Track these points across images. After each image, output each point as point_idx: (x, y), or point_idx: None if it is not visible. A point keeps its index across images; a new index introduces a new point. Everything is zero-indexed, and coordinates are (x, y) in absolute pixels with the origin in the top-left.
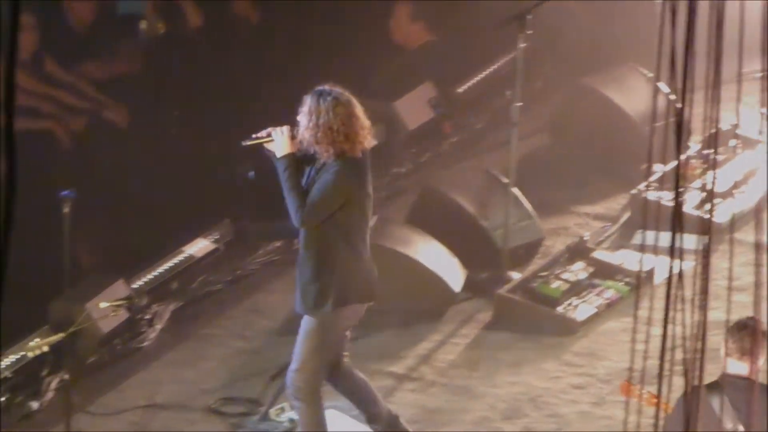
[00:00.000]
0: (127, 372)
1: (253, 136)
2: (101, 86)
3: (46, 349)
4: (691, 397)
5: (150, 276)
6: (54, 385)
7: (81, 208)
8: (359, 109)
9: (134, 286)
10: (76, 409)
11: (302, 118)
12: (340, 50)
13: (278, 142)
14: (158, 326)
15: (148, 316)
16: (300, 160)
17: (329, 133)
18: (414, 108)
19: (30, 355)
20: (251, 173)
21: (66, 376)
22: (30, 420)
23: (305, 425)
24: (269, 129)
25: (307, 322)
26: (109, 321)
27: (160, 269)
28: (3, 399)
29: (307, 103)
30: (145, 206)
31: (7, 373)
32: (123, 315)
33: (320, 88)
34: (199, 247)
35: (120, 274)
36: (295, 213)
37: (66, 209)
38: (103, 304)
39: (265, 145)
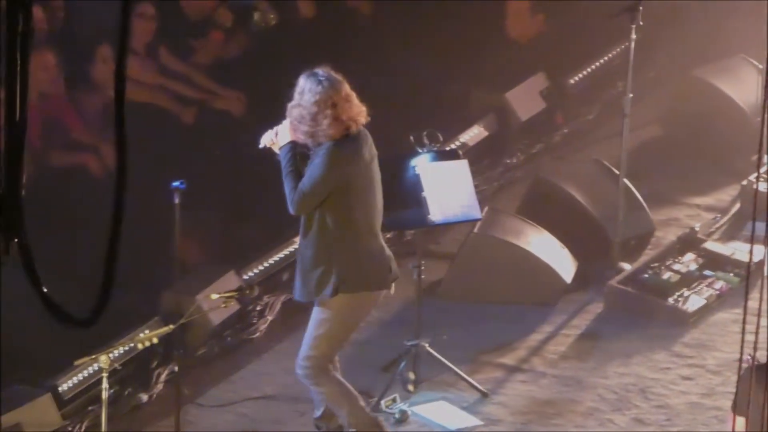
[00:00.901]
0: (238, 363)
1: (263, 142)
2: (214, 75)
3: (155, 341)
4: None
5: (261, 267)
6: (164, 377)
7: (192, 199)
8: (348, 92)
9: (245, 277)
10: (185, 401)
11: (295, 98)
12: (453, 41)
13: (281, 132)
14: (269, 317)
15: (258, 308)
16: (303, 153)
17: (315, 114)
18: (526, 99)
19: (140, 347)
20: None
21: (176, 368)
22: (139, 412)
23: (332, 403)
24: (276, 128)
25: (317, 312)
26: (220, 312)
27: (271, 260)
28: (112, 391)
29: (299, 83)
30: (257, 197)
31: (116, 365)
32: (234, 306)
33: (313, 70)
34: None
35: (231, 265)
36: (289, 198)
37: (177, 200)
38: (213, 296)
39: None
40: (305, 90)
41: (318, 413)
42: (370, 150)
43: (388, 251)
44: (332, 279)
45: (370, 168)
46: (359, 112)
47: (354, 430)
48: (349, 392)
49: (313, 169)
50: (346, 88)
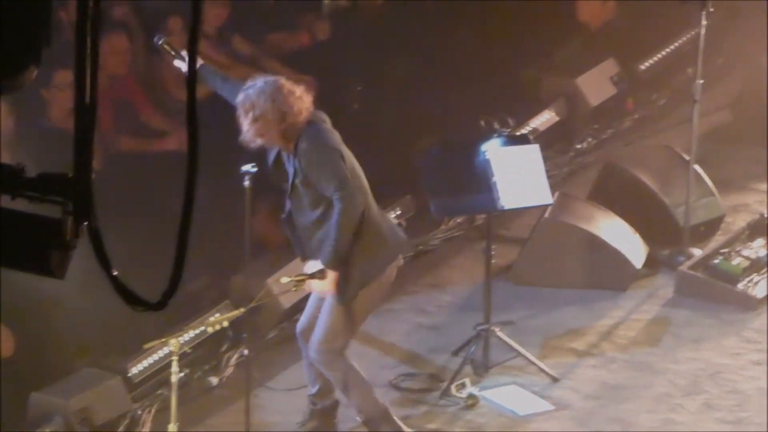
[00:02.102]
0: None
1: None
2: (285, 60)
3: (226, 324)
4: None
5: None
6: (234, 360)
7: (264, 183)
8: (289, 87)
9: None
10: (255, 384)
11: (240, 120)
12: (525, 26)
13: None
14: None
15: None
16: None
17: (269, 120)
18: (596, 84)
19: (210, 330)
20: (434, 148)
21: (246, 352)
22: (209, 395)
23: (344, 390)
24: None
25: (332, 297)
26: (290, 296)
27: None
28: (182, 374)
29: (239, 104)
30: None
31: (186, 348)
32: (305, 290)
33: (247, 83)
34: None
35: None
36: (346, 211)
37: (247, 183)
38: (284, 279)
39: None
40: (254, 101)
41: (313, 390)
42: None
43: (389, 220)
44: (353, 278)
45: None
46: (305, 102)
47: (365, 417)
48: (363, 380)
49: (322, 167)
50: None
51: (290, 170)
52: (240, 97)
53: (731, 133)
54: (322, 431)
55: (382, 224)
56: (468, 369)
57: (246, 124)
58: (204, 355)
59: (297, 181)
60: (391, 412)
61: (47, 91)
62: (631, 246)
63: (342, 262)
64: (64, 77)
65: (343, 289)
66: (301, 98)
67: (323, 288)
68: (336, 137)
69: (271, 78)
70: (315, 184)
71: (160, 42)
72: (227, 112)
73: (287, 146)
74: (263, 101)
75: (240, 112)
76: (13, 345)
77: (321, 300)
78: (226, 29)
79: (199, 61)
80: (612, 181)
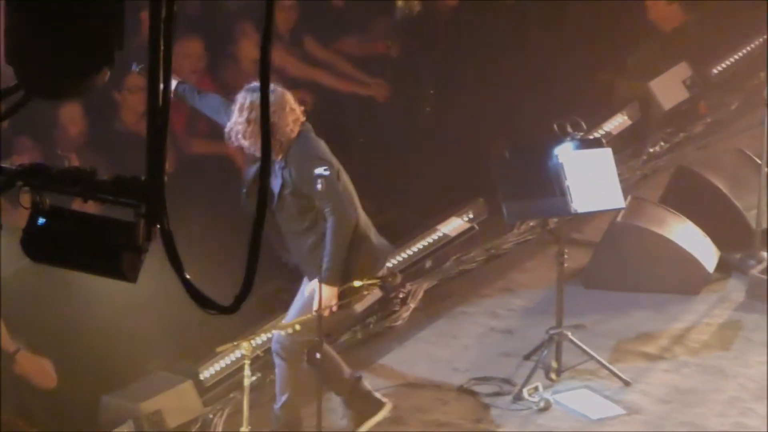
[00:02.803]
0: (380, 351)
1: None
2: (357, 63)
3: (298, 328)
4: None
5: (404, 255)
6: (305, 365)
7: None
8: (291, 105)
9: (388, 264)
10: (327, 388)
11: (233, 115)
12: (597, 30)
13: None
14: (412, 305)
15: (401, 295)
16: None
17: (283, 116)
18: (669, 88)
19: (283, 333)
20: (507, 152)
21: (318, 355)
22: None
23: (282, 383)
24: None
25: (307, 288)
26: (363, 299)
27: (414, 248)
28: (254, 378)
29: (240, 102)
30: (400, 184)
31: (259, 352)
32: (376, 294)
33: (252, 84)
34: (454, 226)
35: None
36: (342, 220)
37: (319, 187)
38: (357, 283)
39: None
40: (254, 104)
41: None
42: None
43: (372, 227)
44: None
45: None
46: (298, 120)
47: (278, 414)
48: (300, 386)
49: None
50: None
51: (277, 182)
52: (241, 95)
53: None
54: (365, 413)
55: (369, 232)
56: (540, 373)
57: (238, 121)
58: None
59: (286, 192)
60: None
61: (119, 94)
62: (703, 250)
63: (341, 275)
64: (136, 80)
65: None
66: (295, 111)
67: (328, 299)
68: (324, 147)
69: (278, 88)
70: (307, 194)
71: (137, 69)
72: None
73: (274, 156)
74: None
75: (236, 107)
76: (55, 377)
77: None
78: (298, 31)
79: (175, 81)
80: (684, 185)
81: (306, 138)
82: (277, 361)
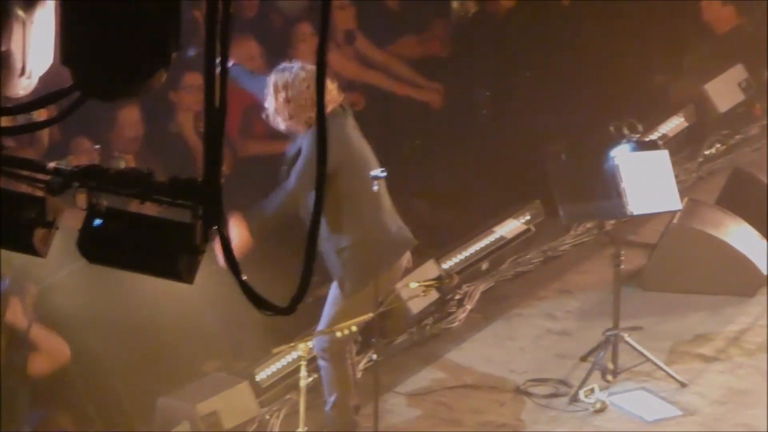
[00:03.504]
0: (436, 352)
1: None
2: (414, 65)
3: (354, 329)
4: None
5: (460, 256)
6: (362, 365)
7: (391, 187)
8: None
9: (444, 266)
10: (384, 389)
11: (269, 98)
12: (652, 33)
13: None
14: (468, 306)
15: (458, 297)
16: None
17: (294, 106)
18: (724, 90)
19: (339, 335)
20: (563, 154)
21: (375, 356)
22: None
23: (329, 384)
24: None
25: (335, 288)
26: (419, 301)
27: (471, 249)
28: (311, 379)
29: (273, 82)
30: (456, 186)
31: (315, 353)
32: (433, 295)
33: (282, 65)
34: (510, 227)
35: (431, 254)
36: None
37: (376, 188)
38: (413, 284)
39: None
40: (289, 83)
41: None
42: (355, 126)
43: (398, 219)
44: (355, 272)
45: (359, 143)
46: (333, 94)
47: (331, 415)
48: (349, 384)
49: (305, 157)
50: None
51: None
52: (274, 76)
53: None
54: None
55: (389, 222)
56: (596, 374)
57: (274, 104)
58: None
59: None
60: (358, 428)
61: (176, 94)
62: (759, 252)
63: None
64: (192, 80)
65: (343, 281)
66: (330, 92)
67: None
68: (340, 134)
69: (308, 65)
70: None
71: (194, 54)
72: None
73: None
74: (298, 84)
75: (270, 90)
76: (68, 352)
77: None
78: (353, 33)
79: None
80: (740, 187)
81: (331, 121)
82: (321, 363)
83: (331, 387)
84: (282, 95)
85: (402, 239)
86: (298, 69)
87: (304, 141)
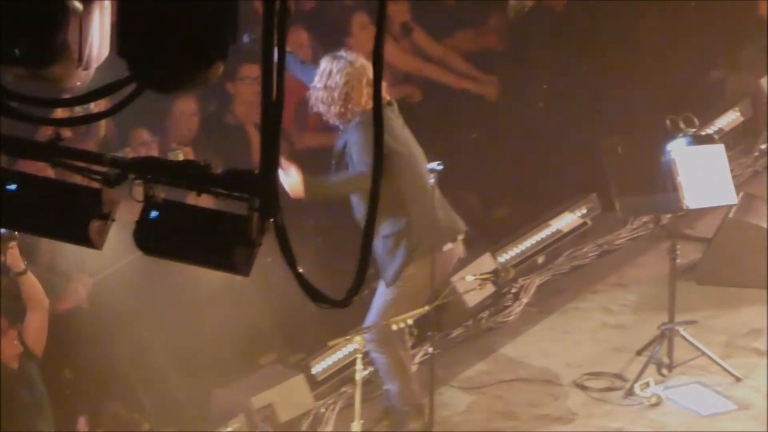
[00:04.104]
0: (492, 346)
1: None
2: (470, 58)
3: (410, 322)
4: None
5: (516, 250)
6: (418, 358)
7: (449, 181)
8: (369, 75)
9: (500, 259)
10: (439, 382)
11: (316, 80)
12: (709, 27)
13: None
14: (524, 300)
15: (513, 290)
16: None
17: (347, 93)
18: None
19: (394, 328)
20: (619, 147)
21: (431, 349)
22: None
23: (386, 374)
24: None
25: (379, 288)
26: (475, 294)
27: (527, 243)
28: (366, 372)
29: (323, 66)
30: (512, 180)
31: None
32: (489, 289)
33: (335, 53)
34: (566, 221)
35: (487, 247)
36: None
37: (432, 181)
38: (469, 278)
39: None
40: (333, 72)
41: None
42: (399, 117)
43: (448, 207)
44: (397, 256)
45: (403, 134)
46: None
47: (401, 405)
48: (407, 369)
49: (358, 145)
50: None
51: (338, 145)
52: (325, 60)
53: None
54: (395, 429)
55: (437, 209)
56: (652, 368)
57: (318, 87)
58: None
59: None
60: (425, 410)
61: (233, 86)
62: None
63: (319, 196)
64: (250, 71)
65: (387, 267)
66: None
67: (293, 187)
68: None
69: (360, 59)
70: (348, 161)
71: (249, 39)
72: (414, 109)
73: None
74: (339, 76)
75: (318, 72)
76: (43, 295)
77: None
78: (410, 26)
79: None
80: None
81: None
82: (374, 356)
83: (388, 376)
84: (324, 81)
85: (450, 227)
86: (349, 60)
87: (351, 136)
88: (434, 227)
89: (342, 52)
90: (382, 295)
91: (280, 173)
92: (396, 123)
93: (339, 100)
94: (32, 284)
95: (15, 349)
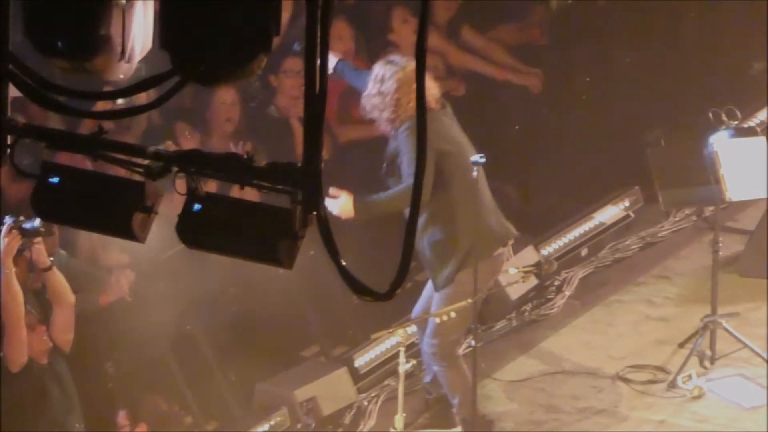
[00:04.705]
0: (535, 338)
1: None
2: (514, 51)
3: (453, 315)
4: None
5: (559, 242)
6: (461, 351)
7: (492, 173)
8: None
9: (544, 252)
10: (482, 375)
11: (370, 86)
12: (752, 20)
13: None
14: (567, 293)
15: (557, 283)
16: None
17: (398, 99)
18: None
19: (438, 321)
20: (662, 140)
21: (473, 342)
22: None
23: (448, 387)
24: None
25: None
26: (518, 287)
27: (570, 236)
28: (409, 365)
29: (375, 71)
30: (555, 172)
31: (414, 339)
32: (532, 281)
33: (392, 57)
34: (609, 214)
35: (530, 240)
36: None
37: (476, 174)
38: (512, 270)
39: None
40: (385, 77)
41: (428, 378)
42: (453, 118)
43: (499, 213)
44: (449, 261)
45: (457, 138)
46: (435, 98)
47: (461, 418)
48: (467, 382)
49: (408, 155)
50: None
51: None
52: (378, 65)
53: None
54: (437, 421)
55: (488, 216)
56: (694, 360)
57: (371, 93)
58: None
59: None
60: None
61: (276, 78)
62: None
63: (367, 216)
64: (293, 64)
65: (437, 272)
66: (429, 89)
67: (343, 209)
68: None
69: (412, 65)
70: (398, 168)
71: (298, 48)
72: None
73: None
74: (390, 81)
75: (371, 77)
76: (69, 293)
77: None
78: (456, 19)
79: (335, 59)
80: None
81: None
82: (435, 367)
83: (452, 389)
84: (377, 87)
85: (501, 233)
86: (401, 65)
87: (400, 142)
88: (485, 232)
89: (395, 57)
90: (439, 307)
91: (330, 201)
92: (449, 124)
93: (390, 105)
94: (58, 280)
95: (44, 345)
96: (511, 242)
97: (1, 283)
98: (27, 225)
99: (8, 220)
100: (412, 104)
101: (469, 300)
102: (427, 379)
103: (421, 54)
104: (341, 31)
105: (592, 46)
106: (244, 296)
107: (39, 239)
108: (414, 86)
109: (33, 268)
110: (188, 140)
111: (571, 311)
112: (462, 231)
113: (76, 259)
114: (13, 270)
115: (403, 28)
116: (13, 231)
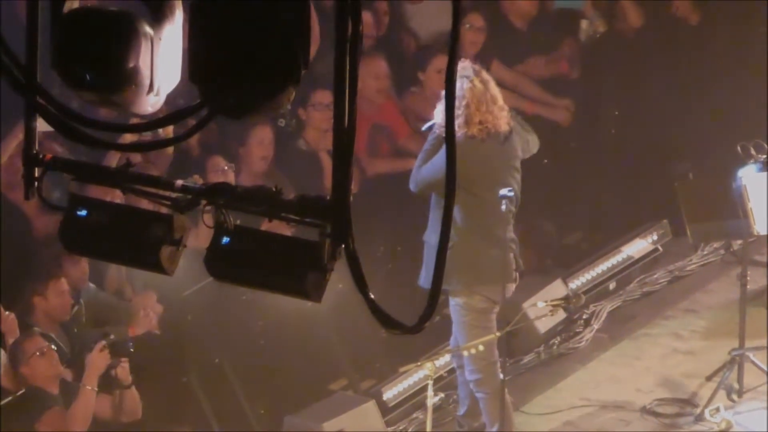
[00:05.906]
0: (564, 372)
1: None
2: (543, 84)
3: (481, 348)
4: None
5: (588, 276)
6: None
7: (520, 206)
8: (493, 94)
9: (572, 285)
10: (511, 408)
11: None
12: None
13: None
14: (595, 326)
15: (585, 316)
16: None
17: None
18: None
19: (465, 354)
20: (690, 173)
21: (502, 375)
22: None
23: (489, 414)
24: None
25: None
26: (546, 321)
27: (598, 269)
28: (437, 398)
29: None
30: (584, 205)
31: (442, 372)
32: (560, 315)
33: (472, 70)
34: (638, 247)
35: (558, 273)
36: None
37: (503, 206)
38: (540, 304)
39: None
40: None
41: (461, 411)
42: (505, 151)
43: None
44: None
45: (491, 167)
46: (502, 114)
47: None
48: (509, 414)
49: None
50: (492, 90)
51: None
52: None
53: None
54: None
55: (492, 245)
56: (722, 394)
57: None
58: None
59: None
60: None
61: (305, 111)
62: None
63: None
64: (322, 97)
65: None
66: (503, 109)
67: None
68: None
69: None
70: None
71: (283, 124)
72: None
73: None
74: (461, 84)
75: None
76: (141, 410)
77: None
78: (485, 55)
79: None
80: None
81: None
82: (479, 395)
83: (492, 417)
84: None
85: (496, 271)
86: (469, 80)
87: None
88: (476, 263)
89: (475, 69)
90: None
91: None
92: (484, 152)
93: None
94: (133, 399)
95: None
96: (510, 285)
97: (80, 400)
98: (118, 345)
99: (97, 337)
100: (473, 127)
101: (498, 333)
102: (461, 411)
103: (450, 86)
104: (378, 69)
105: (621, 79)
106: (272, 329)
107: (125, 359)
108: (463, 105)
109: (115, 385)
110: (221, 174)
111: (599, 345)
112: (464, 250)
113: (104, 292)
114: (96, 390)
115: (436, 76)
116: (104, 350)
